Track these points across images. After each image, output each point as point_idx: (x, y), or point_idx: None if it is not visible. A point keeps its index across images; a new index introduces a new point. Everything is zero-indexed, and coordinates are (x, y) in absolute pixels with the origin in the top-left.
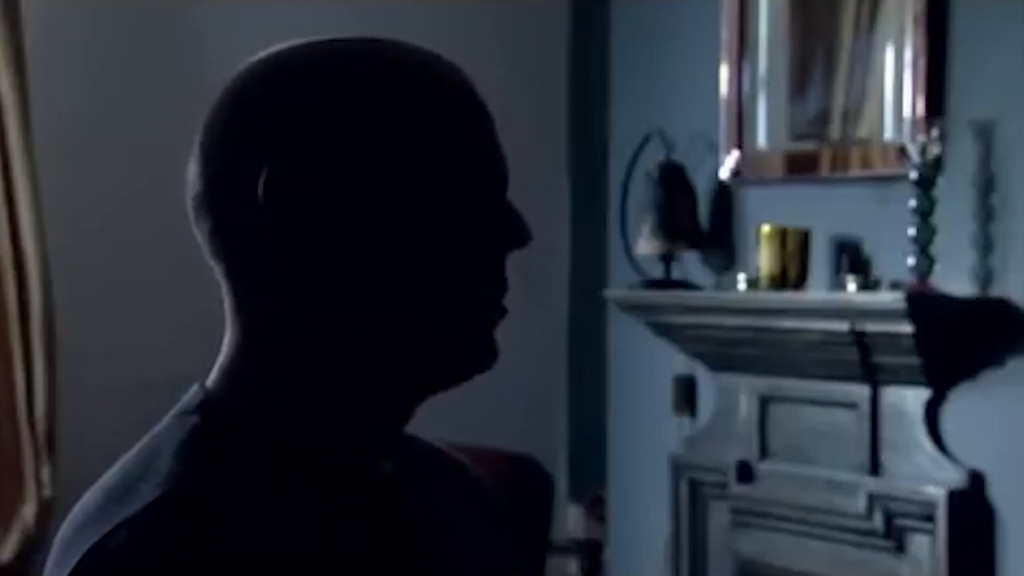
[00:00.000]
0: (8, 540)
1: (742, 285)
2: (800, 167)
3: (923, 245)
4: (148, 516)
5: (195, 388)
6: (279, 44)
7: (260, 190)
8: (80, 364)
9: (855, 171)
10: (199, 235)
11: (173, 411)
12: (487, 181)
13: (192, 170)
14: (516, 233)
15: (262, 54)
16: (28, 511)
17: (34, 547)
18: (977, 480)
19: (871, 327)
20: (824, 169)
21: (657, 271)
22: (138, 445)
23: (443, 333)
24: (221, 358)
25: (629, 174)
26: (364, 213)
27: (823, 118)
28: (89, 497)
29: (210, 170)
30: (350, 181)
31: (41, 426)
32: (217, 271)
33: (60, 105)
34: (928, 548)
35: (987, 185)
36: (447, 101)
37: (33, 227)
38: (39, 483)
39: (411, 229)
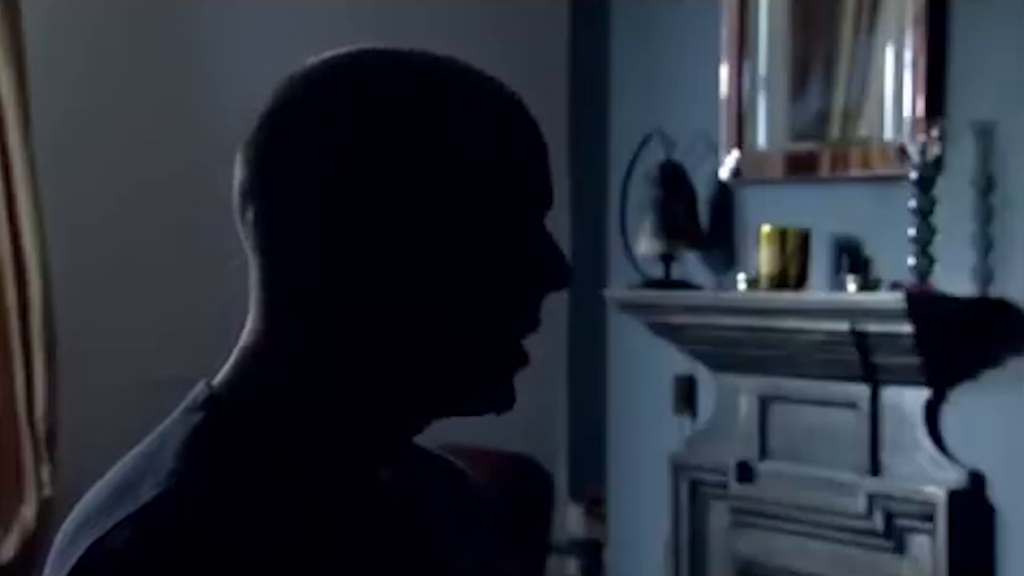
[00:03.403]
0: (8, 540)
1: (742, 285)
2: (800, 167)
3: (923, 245)
4: (147, 514)
5: (202, 384)
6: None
7: (310, 188)
8: (80, 364)
9: (855, 171)
10: (241, 225)
11: (179, 407)
12: (533, 211)
13: (241, 159)
14: (556, 275)
15: (324, 55)
16: (28, 511)
17: (34, 547)
18: (977, 480)
19: (871, 327)
20: (824, 169)
21: (657, 271)
22: (144, 442)
23: (465, 364)
24: (235, 354)
25: (629, 174)
26: (406, 225)
27: (823, 118)
28: (92, 494)
29: (261, 161)
30: (396, 192)
31: (41, 426)
32: (252, 262)
33: (60, 105)
34: (928, 548)
35: (987, 185)
36: (504, 124)
37: (33, 227)
38: (39, 483)
39: (451, 247)
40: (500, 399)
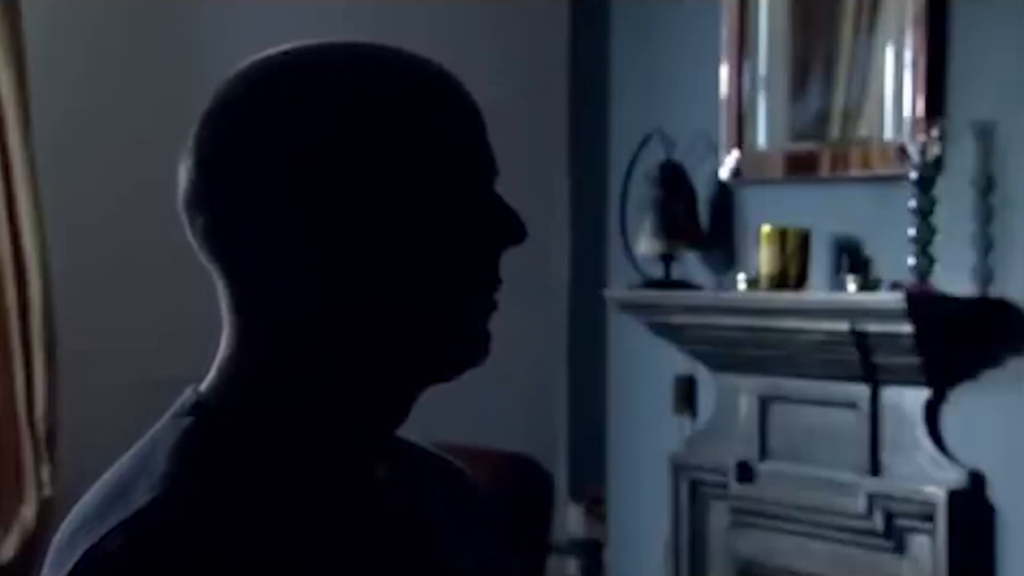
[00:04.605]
0: (8, 540)
1: (742, 285)
2: (800, 167)
3: (923, 245)
4: (142, 519)
5: (189, 390)
6: (277, 45)
7: (259, 188)
8: (80, 364)
9: (855, 171)
10: (193, 234)
11: (168, 413)
12: (478, 177)
13: (187, 167)
14: (512, 230)
15: (261, 55)
16: (28, 511)
17: (34, 547)
18: (977, 480)
19: (871, 327)
20: (824, 169)
21: (657, 271)
22: (134, 447)
23: (436, 327)
24: (217, 359)
25: (629, 174)
26: (359, 211)
27: (823, 118)
28: (86, 499)
29: (207, 166)
30: (347, 179)
31: (41, 426)
32: (212, 271)
33: (60, 105)
34: (928, 548)
35: (987, 185)
36: (438, 100)
37: (33, 227)
38: (39, 483)
39: (405, 225)
40: (477, 352)
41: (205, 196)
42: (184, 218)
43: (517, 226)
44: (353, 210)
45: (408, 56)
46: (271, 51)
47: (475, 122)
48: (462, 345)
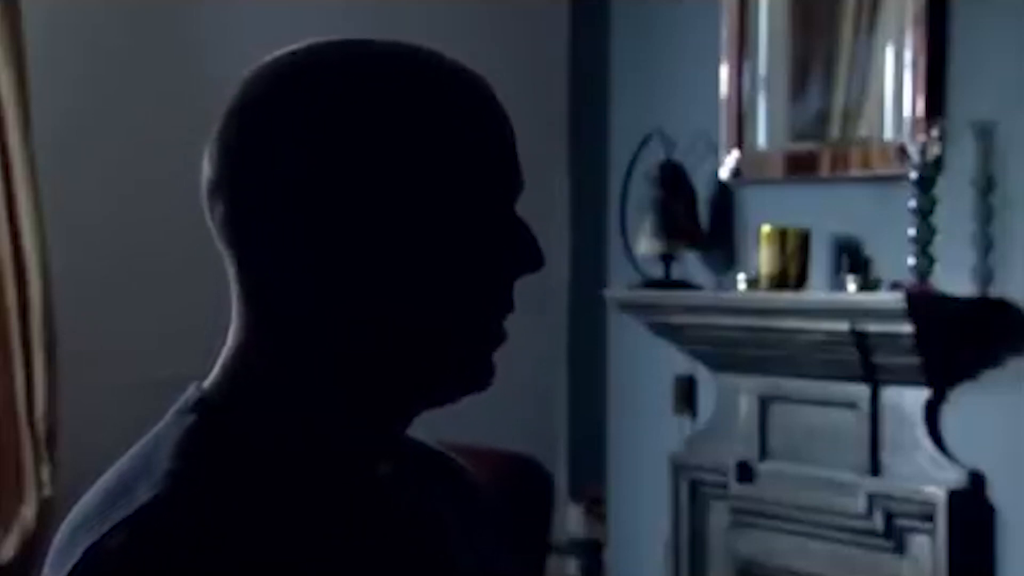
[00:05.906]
0: (8, 540)
1: (742, 285)
2: (800, 167)
3: (923, 245)
4: (145, 516)
5: (192, 387)
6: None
7: (279, 182)
8: (80, 364)
9: (855, 171)
10: (212, 223)
11: (172, 410)
12: (500, 189)
13: (209, 156)
14: (529, 257)
15: (290, 48)
16: (28, 511)
17: (34, 547)
18: (977, 480)
19: (871, 327)
20: (824, 169)
21: (657, 271)
22: (137, 445)
23: (443, 349)
24: (222, 356)
25: (629, 174)
26: (374, 212)
27: (823, 118)
28: (88, 497)
29: (229, 157)
30: (363, 180)
31: (41, 426)
32: (227, 261)
33: (60, 105)
34: (928, 548)
35: (987, 185)
36: (471, 110)
37: (33, 227)
38: (39, 483)
39: (419, 231)
40: (480, 379)
41: (225, 185)
42: (205, 206)
43: (534, 253)
44: (368, 211)
45: (437, 59)
46: (296, 46)
47: (503, 132)
48: (466, 370)
